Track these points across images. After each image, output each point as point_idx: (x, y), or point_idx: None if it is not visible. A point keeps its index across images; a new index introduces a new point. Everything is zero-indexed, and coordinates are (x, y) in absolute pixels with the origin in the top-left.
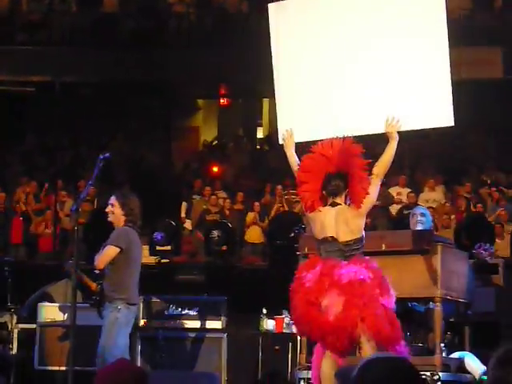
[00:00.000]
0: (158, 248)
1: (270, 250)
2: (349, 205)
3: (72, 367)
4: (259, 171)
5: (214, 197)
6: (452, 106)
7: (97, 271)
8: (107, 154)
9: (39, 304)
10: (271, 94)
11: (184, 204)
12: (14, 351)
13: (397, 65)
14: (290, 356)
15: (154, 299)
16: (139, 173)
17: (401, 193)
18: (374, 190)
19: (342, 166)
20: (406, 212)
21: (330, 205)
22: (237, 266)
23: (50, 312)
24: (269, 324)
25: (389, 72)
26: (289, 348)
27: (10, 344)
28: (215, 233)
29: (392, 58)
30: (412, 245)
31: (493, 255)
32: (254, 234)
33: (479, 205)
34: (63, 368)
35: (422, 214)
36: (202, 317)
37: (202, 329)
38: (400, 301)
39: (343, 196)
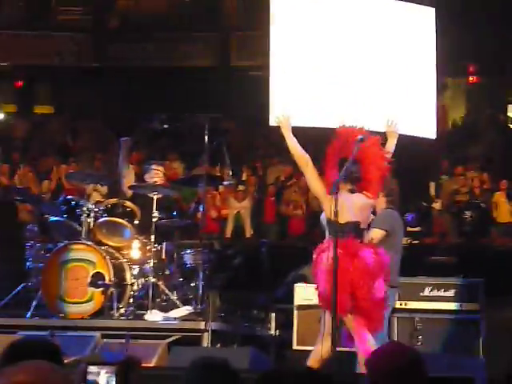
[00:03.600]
0: (408, 229)
1: None
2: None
3: (334, 347)
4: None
5: (462, 177)
6: (436, 122)
7: None
8: (364, 136)
9: (295, 285)
10: None
11: (432, 184)
12: (272, 332)
13: (393, 72)
14: None
15: (409, 281)
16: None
17: None
18: None
19: (357, 155)
20: None
21: (349, 190)
22: (489, 247)
23: (307, 293)
24: None
25: (386, 77)
26: None
27: (268, 324)
28: (467, 213)
29: (391, 65)
30: None
31: None
32: (503, 214)
33: None
34: None
35: None
36: (458, 299)
37: (459, 311)
38: None
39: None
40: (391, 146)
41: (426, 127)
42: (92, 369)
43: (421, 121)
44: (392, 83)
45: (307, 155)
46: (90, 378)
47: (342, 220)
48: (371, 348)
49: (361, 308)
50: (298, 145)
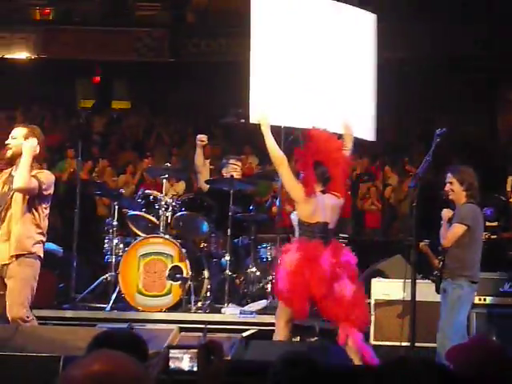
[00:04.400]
0: (486, 224)
1: None
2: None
3: (413, 343)
4: None
5: None
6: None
7: (440, 248)
8: (444, 129)
9: (373, 280)
10: None
11: (510, 178)
12: None
13: (344, 75)
14: None
15: (488, 276)
16: (465, 147)
17: None
18: None
19: (326, 157)
20: None
21: (321, 191)
22: None
23: (385, 288)
24: None
25: (339, 80)
26: None
27: None
28: None
29: (342, 68)
30: None
31: None
32: None
33: None
34: (401, 344)
35: None
36: None
37: None
38: None
39: None
40: (348, 147)
41: (366, 129)
42: (174, 354)
43: (363, 123)
44: (343, 86)
45: (283, 155)
46: (173, 364)
47: (313, 220)
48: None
49: (331, 311)
50: (276, 144)
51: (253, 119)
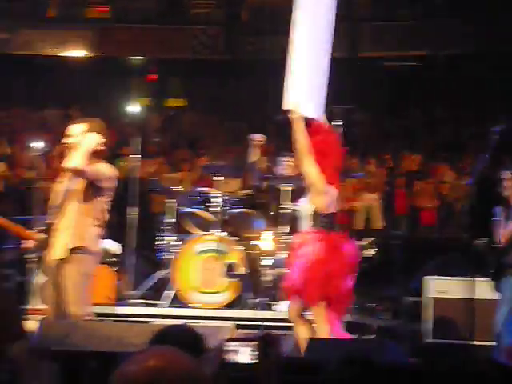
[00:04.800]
0: None
1: None
2: None
3: (471, 341)
4: None
5: None
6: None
7: (498, 246)
8: (502, 126)
9: (429, 277)
10: None
11: None
12: (405, 324)
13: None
14: None
15: None
16: None
17: None
18: None
19: (328, 148)
20: None
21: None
22: None
23: (443, 286)
24: None
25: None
26: None
27: (401, 316)
28: None
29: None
30: None
31: None
32: None
33: None
34: (460, 342)
35: None
36: None
37: None
38: None
39: None
40: None
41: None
42: (233, 347)
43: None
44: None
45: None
46: (231, 357)
47: (330, 211)
48: (345, 333)
49: (330, 297)
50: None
51: (286, 105)
